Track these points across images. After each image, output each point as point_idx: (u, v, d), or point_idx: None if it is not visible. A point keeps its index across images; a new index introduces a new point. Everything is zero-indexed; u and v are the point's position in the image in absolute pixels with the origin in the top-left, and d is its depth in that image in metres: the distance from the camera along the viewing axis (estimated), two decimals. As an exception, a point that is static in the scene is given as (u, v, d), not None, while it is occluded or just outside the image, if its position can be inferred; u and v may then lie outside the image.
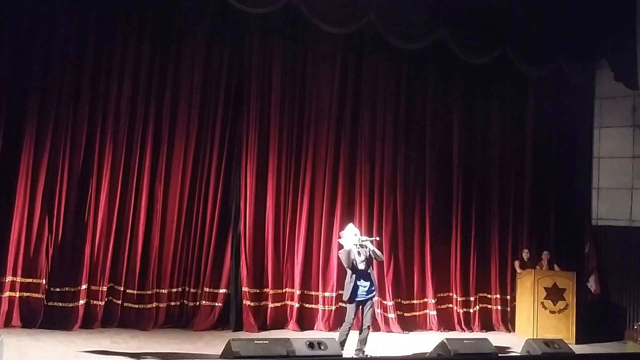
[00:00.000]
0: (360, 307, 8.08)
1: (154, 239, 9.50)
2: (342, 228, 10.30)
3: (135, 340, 8.57)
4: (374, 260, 8.23)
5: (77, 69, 9.25)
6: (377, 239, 8.50)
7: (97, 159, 9.28)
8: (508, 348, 9.43)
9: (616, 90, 11.43)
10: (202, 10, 9.82)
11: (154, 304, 9.43)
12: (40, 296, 8.86)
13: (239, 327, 9.64)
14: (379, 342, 9.47)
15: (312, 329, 9.97)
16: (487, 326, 11.03)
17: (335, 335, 8.56)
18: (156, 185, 9.58)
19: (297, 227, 10.19)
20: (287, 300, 10.04)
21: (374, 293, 8.04)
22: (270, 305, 9.91)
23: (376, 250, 8.17)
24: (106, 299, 9.19)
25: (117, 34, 9.45)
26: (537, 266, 10.92)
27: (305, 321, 10.06)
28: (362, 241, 8.09)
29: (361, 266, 8.02)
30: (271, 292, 9.93)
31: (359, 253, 8.06)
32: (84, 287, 9.05)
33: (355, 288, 7.99)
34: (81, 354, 7.75)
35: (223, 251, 9.86)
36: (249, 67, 10.11)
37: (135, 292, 9.33)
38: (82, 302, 9.00)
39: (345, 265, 8.13)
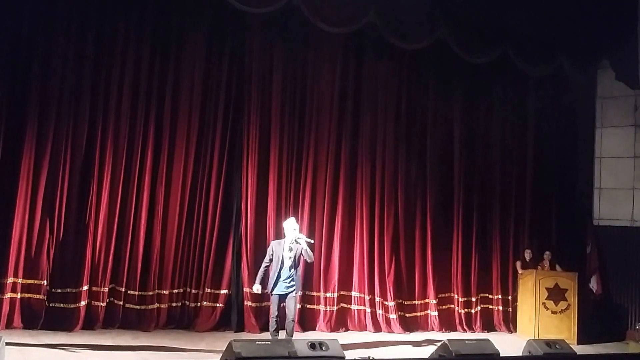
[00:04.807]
0: (281, 301, 8.09)
1: (155, 240, 9.49)
2: (343, 229, 10.39)
3: (137, 342, 8.55)
4: (302, 259, 8.19)
5: (77, 71, 9.23)
6: (312, 241, 8.46)
7: (98, 160, 9.26)
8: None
9: (618, 90, 11.43)
10: (203, 11, 9.81)
11: (156, 305, 9.42)
12: (41, 297, 8.84)
13: (240, 328, 9.61)
14: (380, 343, 9.48)
15: (314, 329, 9.94)
16: (488, 327, 11.03)
17: (337, 335, 8.56)
18: (157, 186, 9.56)
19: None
20: (289, 301, 10.02)
21: (294, 289, 8.07)
22: (272, 306, 9.91)
23: (308, 250, 8.11)
24: (107, 300, 9.17)
25: (118, 34, 9.43)
26: (539, 266, 10.92)
27: (307, 322, 10.04)
28: (298, 238, 8.10)
29: (287, 262, 8.04)
30: (272, 293, 9.91)
31: (290, 249, 8.08)
32: (85, 288, 9.04)
33: (277, 281, 8.04)
34: (82, 356, 7.74)
35: (224, 252, 9.86)
36: (250, 67, 10.10)
37: (136, 293, 9.32)
38: (83, 303, 8.98)
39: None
